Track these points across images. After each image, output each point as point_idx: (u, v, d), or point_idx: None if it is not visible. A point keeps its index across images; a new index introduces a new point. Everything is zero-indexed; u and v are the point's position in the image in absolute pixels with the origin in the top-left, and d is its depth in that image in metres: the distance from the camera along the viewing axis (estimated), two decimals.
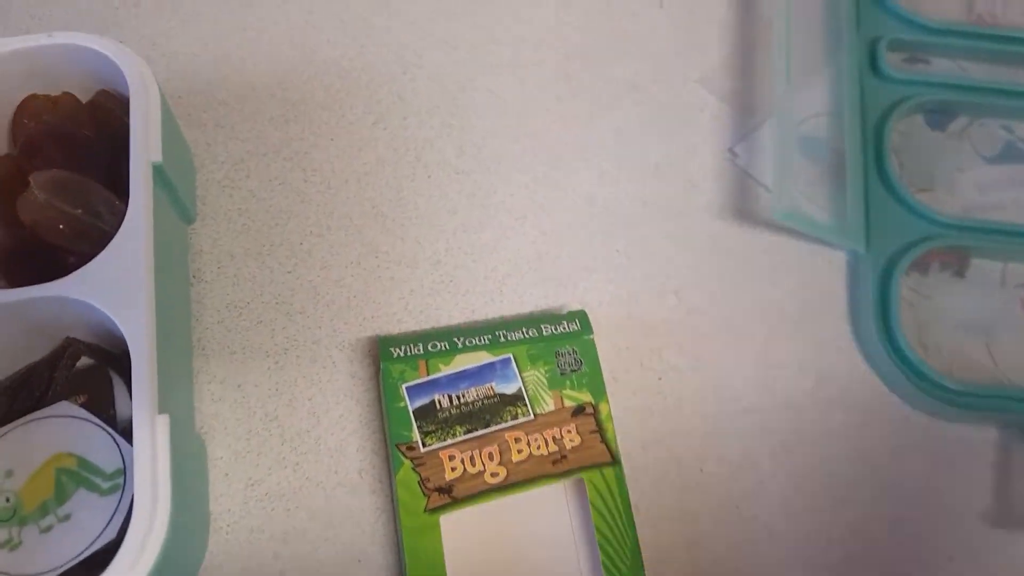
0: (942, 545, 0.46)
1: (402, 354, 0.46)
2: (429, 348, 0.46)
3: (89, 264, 0.41)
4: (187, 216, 0.50)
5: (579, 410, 0.45)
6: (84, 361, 0.45)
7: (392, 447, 0.43)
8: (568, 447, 0.44)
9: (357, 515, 0.45)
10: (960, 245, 0.51)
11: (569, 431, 0.44)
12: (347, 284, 0.50)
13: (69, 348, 0.44)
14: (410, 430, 0.44)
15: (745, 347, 0.49)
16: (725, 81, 0.57)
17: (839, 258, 0.52)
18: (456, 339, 0.46)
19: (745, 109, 0.56)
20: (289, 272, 0.50)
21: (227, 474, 0.45)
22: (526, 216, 0.52)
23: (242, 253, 0.50)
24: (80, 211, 0.45)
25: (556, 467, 0.44)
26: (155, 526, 0.37)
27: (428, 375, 0.45)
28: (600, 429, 0.45)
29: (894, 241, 0.51)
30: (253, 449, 0.46)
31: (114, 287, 0.41)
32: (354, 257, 0.50)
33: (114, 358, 0.45)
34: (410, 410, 0.44)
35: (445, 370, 0.45)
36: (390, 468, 0.44)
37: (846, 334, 0.50)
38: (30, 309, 0.42)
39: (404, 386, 0.45)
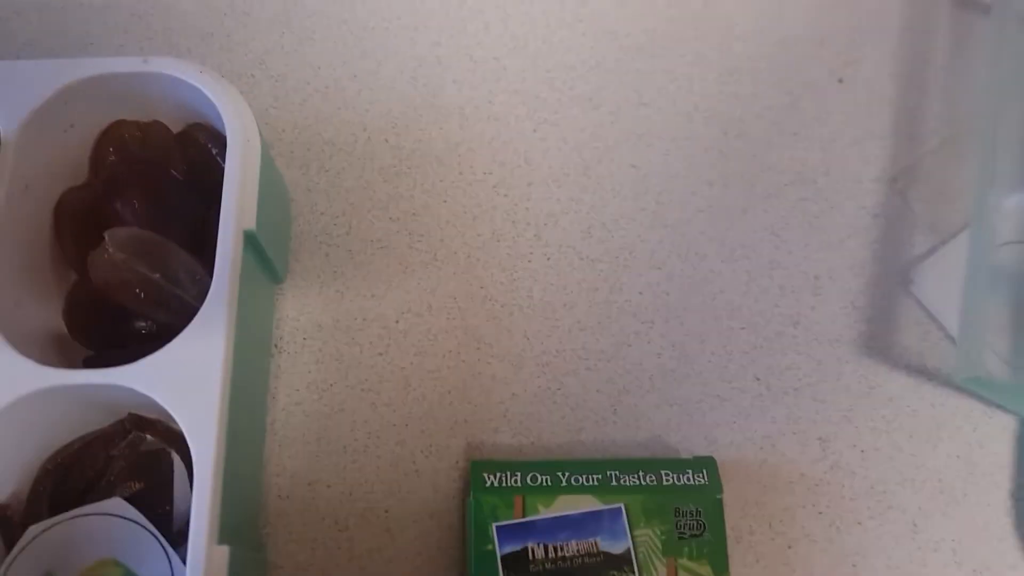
0: None
1: (497, 484, 0.39)
2: (528, 481, 0.40)
3: (156, 354, 0.36)
4: (276, 276, 0.44)
5: None
6: (151, 442, 0.41)
7: None
8: None
9: None
10: None
11: None
12: (443, 377, 0.44)
13: (130, 434, 0.39)
14: None
15: (894, 521, 0.42)
16: (909, 183, 0.48)
17: (1012, 424, 0.44)
18: (560, 474, 0.40)
19: (932, 222, 0.47)
20: (380, 354, 0.44)
21: None
22: (654, 322, 0.45)
23: (331, 325, 0.44)
24: (158, 276, 0.40)
25: None
26: None
27: (524, 516, 0.39)
28: None
29: None
30: (317, 563, 0.41)
31: (181, 386, 0.35)
32: (454, 346, 0.44)
33: (179, 438, 0.40)
34: (498, 556, 0.38)
35: (544, 512, 0.39)
36: None
37: (1009, 521, 0.42)
38: (90, 393, 0.37)
39: (495, 525, 0.39)
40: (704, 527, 0.39)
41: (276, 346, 0.44)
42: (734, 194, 0.48)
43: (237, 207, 0.38)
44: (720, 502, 0.40)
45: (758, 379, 0.44)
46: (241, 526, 0.39)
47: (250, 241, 0.39)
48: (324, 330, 0.44)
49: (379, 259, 0.46)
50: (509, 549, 0.38)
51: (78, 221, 0.42)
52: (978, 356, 0.40)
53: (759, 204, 0.47)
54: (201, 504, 0.34)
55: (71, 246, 0.42)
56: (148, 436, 0.39)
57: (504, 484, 0.40)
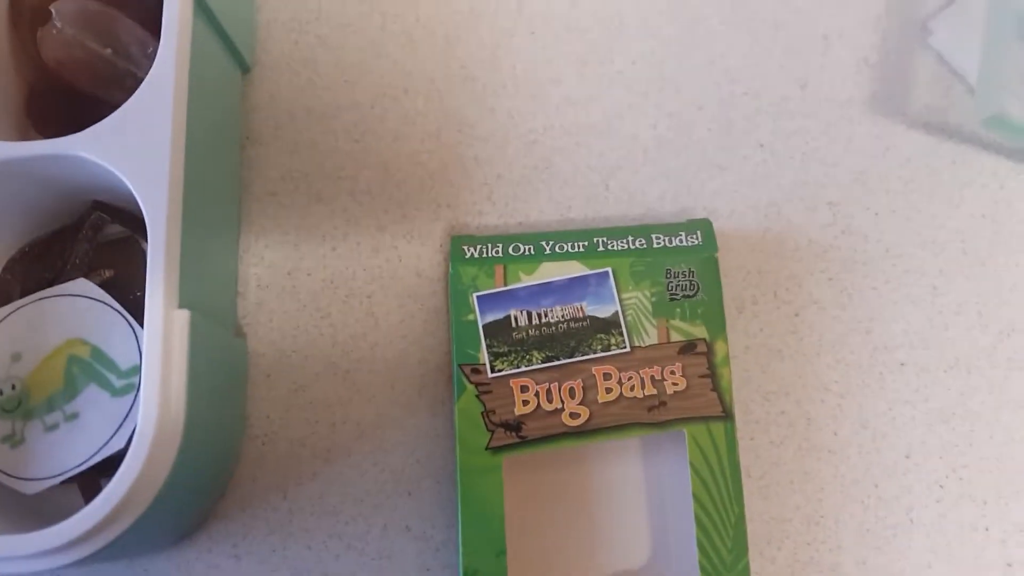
0: None
1: (477, 255, 0.37)
2: (510, 251, 0.37)
3: (104, 121, 0.34)
4: (242, 63, 0.42)
5: (689, 347, 0.36)
6: (119, 231, 0.39)
7: (455, 367, 0.36)
8: (670, 392, 0.35)
9: (412, 440, 0.38)
10: None
11: (673, 372, 0.36)
12: (423, 162, 0.41)
13: (92, 215, 0.38)
14: (478, 349, 0.36)
15: (911, 285, 0.39)
16: None
17: None
18: (544, 243, 0.38)
19: None
20: (356, 141, 0.41)
21: (269, 375, 0.39)
22: (648, 93, 0.42)
23: (304, 113, 0.42)
24: (109, 51, 0.37)
25: (652, 415, 0.35)
26: (165, 438, 0.31)
27: (506, 284, 0.37)
28: (713, 374, 0.36)
29: None
30: (300, 349, 0.39)
31: (132, 149, 0.33)
32: (433, 129, 0.42)
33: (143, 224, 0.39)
34: (480, 325, 0.36)
35: (527, 280, 0.37)
36: (452, 391, 0.37)
37: None
38: (41, 167, 0.35)
39: (475, 295, 0.37)
40: (698, 287, 0.37)
41: (248, 137, 0.42)
42: None
43: None
44: (715, 261, 0.37)
45: (762, 146, 0.41)
46: (215, 309, 0.37)
47: (201, 7, 0.36)
48: (297, 119, 0.42)
49: (352, 43, 0.43)
50: (491, 318, 0.36)
51: (33, 8, 0.40)
52: (999, 95, 0.36)
53: None
54: (156, 264, 0.32)
55: (29, 38, 0.40)
56: (111, 220, 0.38)
57: (484, 255, 0.37)
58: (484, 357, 0.36)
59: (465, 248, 0.37)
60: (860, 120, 0.41)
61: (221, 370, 0.37)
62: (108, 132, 0.34)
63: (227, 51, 0.40)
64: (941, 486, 0.37)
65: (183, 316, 0.32)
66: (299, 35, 0.43)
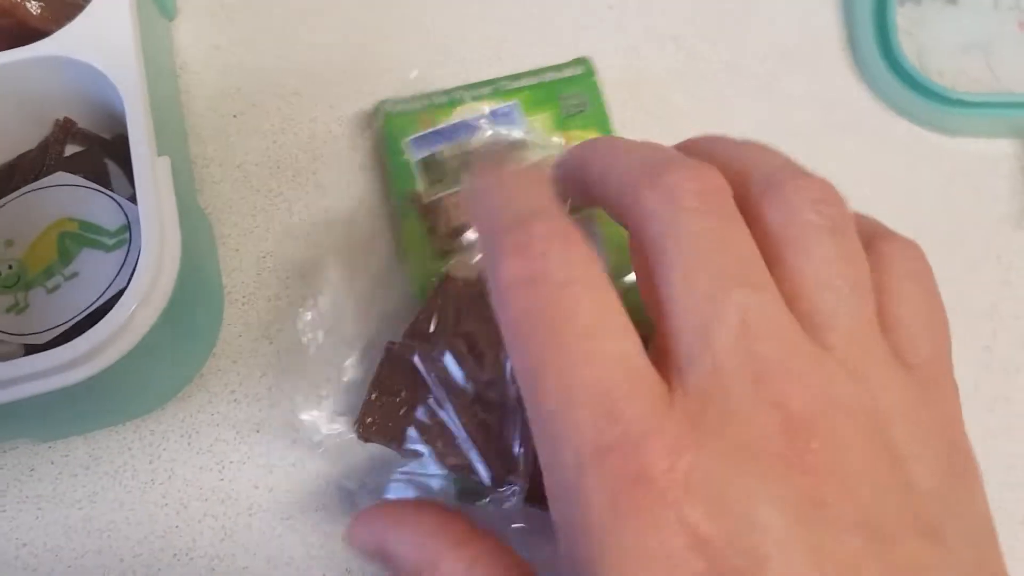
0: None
1: (403, 110, 0.44)
2: (432, 101, 0.45)
3: (68, 25, 0.40)
4: (167, 11, 0.48)
5: None
6: (77, 148, 0.44)
7: (397, 199, 0.42)
8: None
9: (376, 275, 0.43)
10: None
11: None
12: (335, 63, 0.48)
13: (60, 124, 0.43)
14: (414, 182, 0.43)
15: (748, 85, 0.49)
16: None
17: None
18: (456, 93, 0.45)
19: None
20: (278, 56, 0.48)
21: (237, 249, 0.44)
22: None
23: (227, 43, 0.48)
24: None
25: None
26: (165, 261, 0.35)
27: (431, 127, 0.44)
28: None
29: None
30: (261, 224, 0.44)
31: (101, 42, 0.39)
32: (340, 37, 0.49)
33: (108, 143, 0.44)
34: (412, 162, 0.43)
35: (447, 121, 0.44)
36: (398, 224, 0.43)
37: (847, 65, 0.49)
38: (6, 78, 0.40)
39: (406, 139, 0.43)
40: (587, 104, 0.45)
41: (181, 68, 0.48)
42: None
43: None
44: (596, 84, 0.45)
45: (610, 7, 0.50)
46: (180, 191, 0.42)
47: None
48: (222, 48, 0.48)
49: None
50: (421, 155, 0.43)
51: None
52: None
53: None
54: (136, 121, 0.37)
55: None
56: (76, 123, 0.43)
57: (408, 109, 0.44)
58: (421, 186, 0.43)
59: (390, 106, 0.44)
60: None
61: (198, 240, 0.42)
62: (78, 32, 0.40)
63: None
64: None
65: (164, 162, 0.37)
66: None
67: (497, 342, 0.34)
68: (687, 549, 0.20)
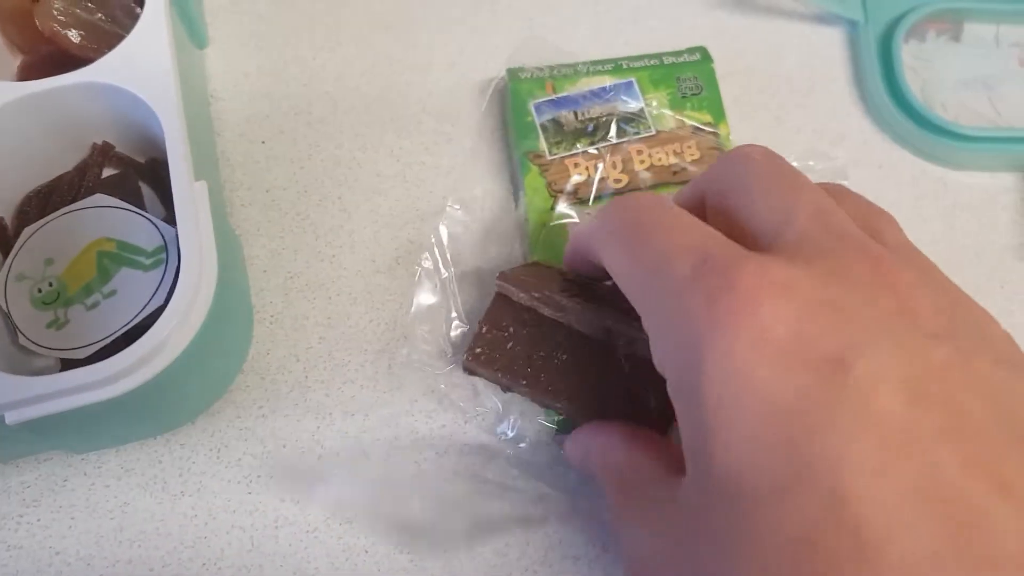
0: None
1: (529, 76, 0.48)
2: (555, 73, 0.48)
3: (110, 53, 0.41)
4: (199, 40, 0.50)
5: (699, 129, 0.47)
6: (113, 171, 0.45)
7: (520, 156, 0.46)
8: (688, 160, 0.47)
9: (397, 298, 0.45)
10: (952, 9, 0.52)
11: (689, 146, 0.47)
12: (363, 92, 0.50)
13: (99, 147, 0.44)
14: (537, 141, 0.46)
15: (758, 119, 0.50)
16: None
17: (838, 34, 0.53)
18: (579, 66, 0.49)
19: None
20: (304, 85, 0.50)
21: (265, 271, 0.45)
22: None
23: (256, 71, 0.50)
24: (99, 16, 0.45)
25: (676, 177, 0.46)
26: (203, 281, 0.37)
27: (555, 94, 0.47)
28: (719, 147, 0.47)
29: (889, 11, 0.52)
30: (288, 246, 0.46)
31: (141, 70, 0.41)
32: (367, 66, 0.51)
33: (141, 167, 0.45)
34: (537, 123, 0.47)
35: (570, 90, 0.48)
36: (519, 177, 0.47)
37: (854, 100, 0.51)
38: (49, 102, 0.41)
39: (532, 103, 0.47)
40: (702, 88, 0.48)
41: (212, 96, 0.50)
42: None
43: None
44: (713, 70, 0.49)
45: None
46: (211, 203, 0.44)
47: None
48: (251, 76, 0.50)
49: (286, 14, 0.52)
50: (545, 118, 0.47)
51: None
52: None
53: None
54: (176, 147, 0.39)
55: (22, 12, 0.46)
56: (114, 147, 0.44)
57: (535, 76, 0.48)
58: (543, 145, 0.46)
59: (519, 72, 0.48)
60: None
61: (230, 259, 0.43)
62: (113, 61, 0.41)
63: (189, 27, 0.48)
64: None
65: (203, 185, 0.39)
66: (241, 16, 0.52)
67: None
68: (780, 340, 0.23)
